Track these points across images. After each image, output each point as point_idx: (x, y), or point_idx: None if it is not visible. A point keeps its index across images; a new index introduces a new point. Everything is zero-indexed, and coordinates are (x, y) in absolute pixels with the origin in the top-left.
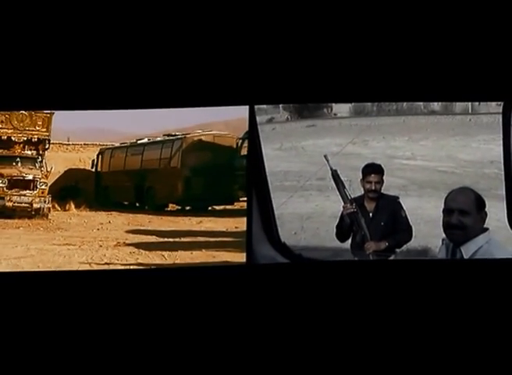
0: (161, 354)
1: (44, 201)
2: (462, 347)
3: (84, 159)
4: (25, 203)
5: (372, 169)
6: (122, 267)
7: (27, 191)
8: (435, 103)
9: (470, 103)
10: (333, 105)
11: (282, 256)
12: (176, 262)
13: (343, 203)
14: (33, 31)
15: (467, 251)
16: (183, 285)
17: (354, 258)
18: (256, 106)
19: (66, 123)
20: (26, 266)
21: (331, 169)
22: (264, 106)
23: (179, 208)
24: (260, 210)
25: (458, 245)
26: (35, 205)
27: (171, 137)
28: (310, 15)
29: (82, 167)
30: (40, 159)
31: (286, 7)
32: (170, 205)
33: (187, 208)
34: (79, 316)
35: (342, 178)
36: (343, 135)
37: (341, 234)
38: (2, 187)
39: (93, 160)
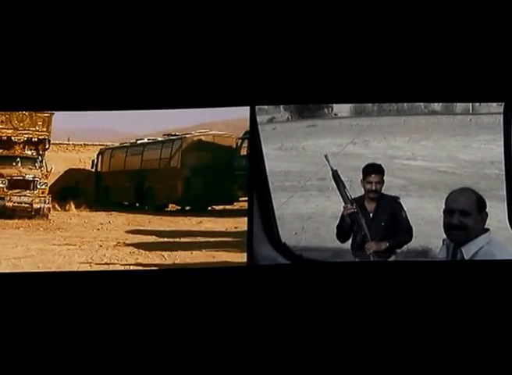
0: (161, 354)
1: (44, 202)
2: (463, 348)
3: (84, 159)
4: (25, 203)
5: (373, 170)
6: (122, 267)
7: (27, 191)
8: (436, 103)
9: (471, 103)
10: (334, 105)
11: (283, 257)
12: (176, 262)
13: (343, 203)
14: (33, 31)
15: (468, 251)
16: (183, 286)
17: (355, 259)
18: (257, 107)
19: (66, 123)
20: (26, 266)
21: (331, 169)
22: (265, 106)
23: (179, 208)
24: (260, 210)
25: (459, 246)
26: (35, 206)
27: (171, 137)
28: (310, 15)
29: (82, 167)
30: (40, 159)
31: (286, 7)
32: (170, 205)
33: (187, 208)
34: (79, 317)
35: (342, 178)
36: (343, 135)
37: (341, 235)
38: (2, 188)
39: (93, 160)
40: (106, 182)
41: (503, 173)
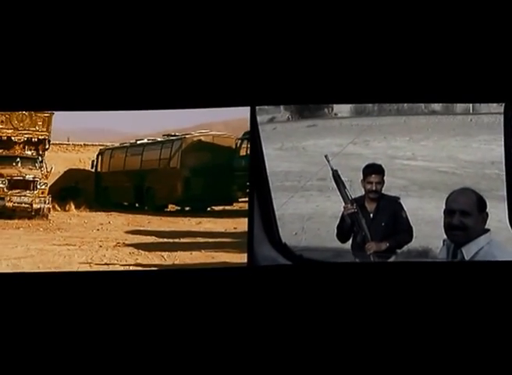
0: (160, 355)
1: (44, 202)
2: (463, 348)
3: (84, 160)
4: (25, 203)
5: (373, 170)
6: (122, 268)
7: (27, 192)
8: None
9: (471, 103)
10: (334, 105)
11: (283, 257)
12: (176, 262)
13: (343, 204)
14: (33, 32)
15: (468, 252)
16: (183, 286)
17: (355, 259)
18: (257, 107)
19: (66, 123)
20: (26, 266)
21: (331, 169)
22: (266, 107)
23: (179, 208)
24: (261, 210)
25: (459, 246)
26: (35, 206)
27: (170, 138)
28: (311, 16)
29: (82, 167)
30: (40, 160)
31: (286, 8)
32: (170, 205)
33: (186, 208)
34: (79, 317)
35: (342, 178)
36: (343, 135)
37: (342, 235)
38: (2, 188)
39: (93, 160)
40: (106, 182)
41: (504, 173)
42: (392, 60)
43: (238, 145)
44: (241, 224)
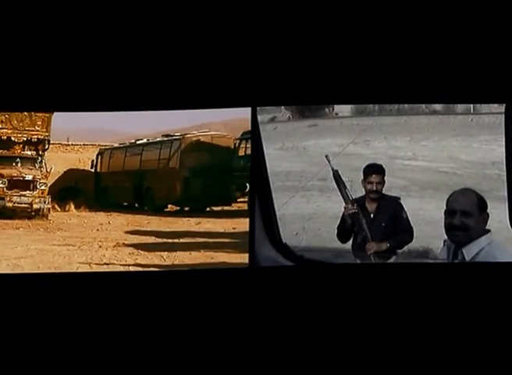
0: (160, 355)
1: (44, 202)
2: (464, 349)
3: (84, 160)
4: (25, 204)
5: (373, 170)
6: (122, 268)
7: (27, 192)
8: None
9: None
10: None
11: (284, 257)
12: (175, 263)
13: (344, 204)
14: (33, 32)
15: (469, 252)
16: (184, 287)
17: (356, 259)
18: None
19: (66, 123)
20: (26, 266)
21: (332, 169)
22: (267, 107)
23: (178, 209)
24: (262, 211)
25: (460, 247)
26: (35, 206)
27: (169, 138)
28: (312, 17)
29: (81, 168)
30: (39, 160)
31: (287, 8)
32: (169, 205)
33: (186, 209)
34: (78, 317)
35: (343, 178)
36: (344, 135)
37: (342, 235)
38: (2, 188)
39: (92, 160)
40: (105, 182)
41: (504, 173)
42: (393, 61)
43: (237, 145)
44: (240, 224)
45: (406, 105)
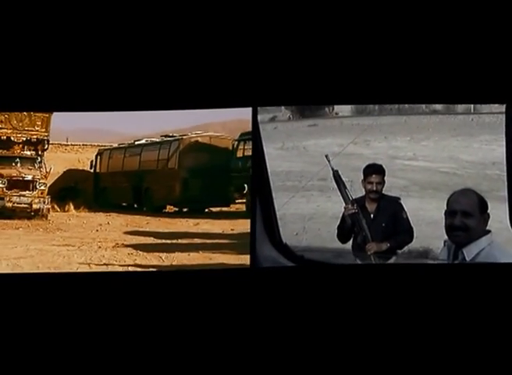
0: (159, 355)
1: (44, 202)
2: (465, 350)
3: (83, 160)
4: (24, 204)
5: (373, 170)
6: (121, 268)
7: (27, 192)
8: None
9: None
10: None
11: (284, 257)
12: (174, 263)
13: (344, 204)
14: (33, 32)
15: (469, 253)
16: (185, 287)
17: (356, 260)
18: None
19: (65, 123)
20: (26, 266)
21: (332, 169)
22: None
23: (177, 209)
24: (262, 211)
25: (460, 247)
26: (34, 206)
27: (168, 138)
28: (312, 17)
29: (81, 168)
30: (39, 160)
31: (287, 9)
32: (168, 206)
33: (184, 209)
34: (77, 317)
35: (343, 178)
36: (344, 135)
37: (342, 235)
38: (2, 188)
39: (91, 161)
40: (105, 183)
41: (505, 173)
42: (393, 61)
43: (235, 147)
44: (238, 225)
45: (406, 105)
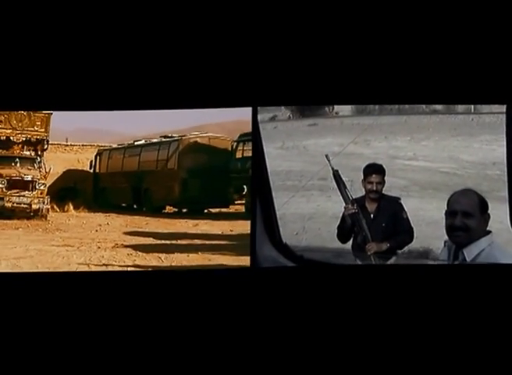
0: (158, 355)
1: (43, 202)
2: (465, 350)
3: (83, 160)
4: (24, 204)
5: (373, 170)
6: (120, 269)
7: (26, 192)
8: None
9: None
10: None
11: (284, 257)
12: (173, 264)
13: (344, 204)
14: (33, 32)
15: (470, 253)
16: (186, 288)
17: (356, 260)
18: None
19: (65, 123)
20: (26, 266)
21: (332, 169)
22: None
23: (176, 210)
24: (262, 210)
25: (461, 247)
26: (34, 206)
27: (167, 139)
28: (313, 17)
29: (80, 168)
30: (38, 160)
31: (287, 9)
32: (167, 207)
33: (184, 210)
34: (77, 317)
35: (343, 178)
36: (344, 134)
37: (342, 235)
38: (1, 188)
39: (91, 161)
40: (104, 183)
41: (505, 174)
42: (394, 62)
43: (234, 147)
44: (238, 226)
45: (406, 105)
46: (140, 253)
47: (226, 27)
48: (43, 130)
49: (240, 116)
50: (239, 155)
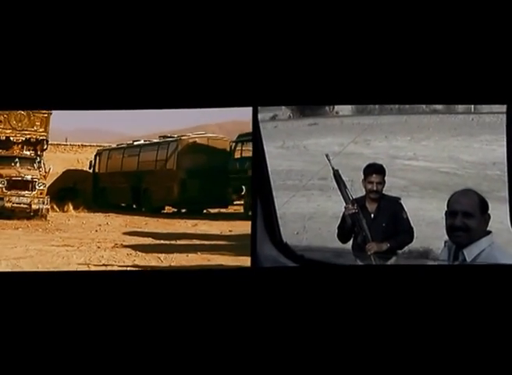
0: (158, 355)
1: (43, 202)
2: (465, 350)
3: (82, 160)
4: (24, 204)
5: (374, 169)
6: (120, 269)
7: (26, 192)
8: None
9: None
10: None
11: (285, 257)
12: (172, 264)
13: (344, 203)
14: (32, 31)
15: (470, 254)
16: (187, 288)
17: (356, 260)
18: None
19: (64, 123)
20: (26, 266)
21: (332, 168)
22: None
23: (175, 210)
24: (263, 210)
25: (461, 248)
26: (34, 206)
27: (166, 139)
28: (314, 18)
29: (80, 168)
30: (38, 160)
31: (288, 9)
32: (166, 207)
33: (183, 210)
34: (77, 316)
35: (343, 178)
36: (344, 134)
37: (343, 235)
38: (1, 188)
39: (90, 161)
40: (103, 183)
41: (506, 174)
42: (395, 62)
43: (232, 148)
44: (236, 227)
45: (406, 105)
46: (139, 253)
47: (227, 28)
48: (42, 130)
49: (238, 117)
50: (237, 155)
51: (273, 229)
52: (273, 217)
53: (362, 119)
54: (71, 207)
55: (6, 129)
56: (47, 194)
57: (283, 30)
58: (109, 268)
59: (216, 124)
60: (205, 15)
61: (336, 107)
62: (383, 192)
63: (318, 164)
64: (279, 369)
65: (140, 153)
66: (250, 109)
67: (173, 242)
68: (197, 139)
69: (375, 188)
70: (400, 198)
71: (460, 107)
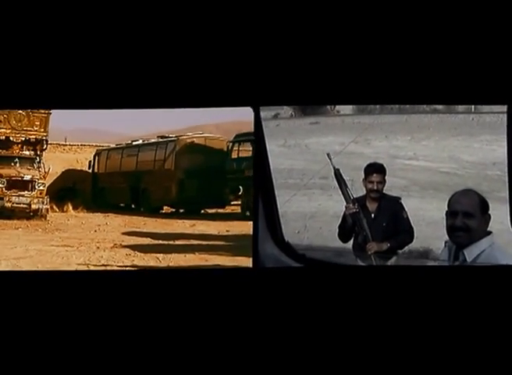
0: (158, 355)
1: (43, 202)
2: (465, 350)
3: (81, 160)
4: (23, 204)
5: (374, 169)
6: (119, 269)
7: (26, 192)
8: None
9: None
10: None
11: (286, 255)
12: (170, 264)
13: (345, 203)
14: (32, 31)
15: (470, 254)
16: (187, 288)
17: (356, 259)
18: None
19: (64, 123)
20: (25, 266)
21: (333, 167)
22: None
23: (173, 210)
24: (264, 208)
25: (461, 248)
26: (33, 206)
27: (164, 139)
28: (314, 18)
29: (79, 168)
30: (38, 160)
31: (289, 9)
32: (165, 207)
33: (181, 210)
34: (76, 316)
35: (344, 177)
36: (345, 133)
37: (343, 235)
38: (1, 188)
39: (90, 161)
40: (103, 183)
41: (506, 174)
42: (395, 62)
43: (230, 148)
44: (234, 227)
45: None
46: (138, 253)
47: (229, 29)
48: (42, 129)
49: (237, 117)
50: (234, 155)
51: (275, 227)
52: (275, 216)
53: (363, 118)
54: (70, 207)
55: (6, 129)
56: (46, 194)
57: (284, 31)
58: (108, 268)
59: (213, 124)
60: (205, 15)
61: (337, 106)
62: (384, 192)
63: (319, 163)
64: (281, 370)
65: (139, 153)
66: (247, 109)
67: (171, 242)
68: (194, 139)
69: (375, 188)
70: (400, 198)
71: (461, 107)
